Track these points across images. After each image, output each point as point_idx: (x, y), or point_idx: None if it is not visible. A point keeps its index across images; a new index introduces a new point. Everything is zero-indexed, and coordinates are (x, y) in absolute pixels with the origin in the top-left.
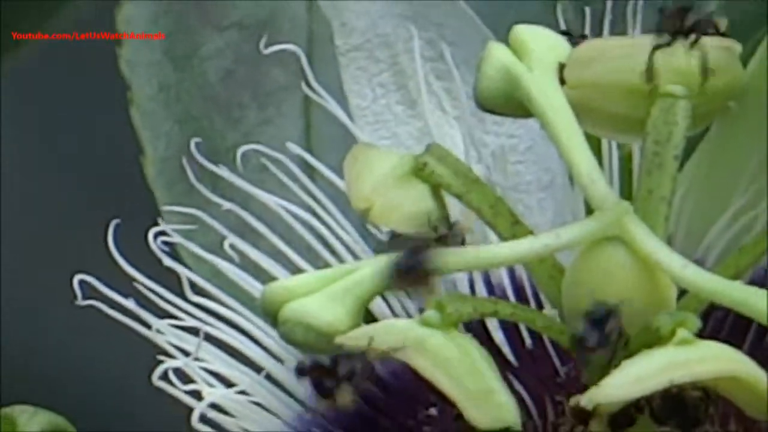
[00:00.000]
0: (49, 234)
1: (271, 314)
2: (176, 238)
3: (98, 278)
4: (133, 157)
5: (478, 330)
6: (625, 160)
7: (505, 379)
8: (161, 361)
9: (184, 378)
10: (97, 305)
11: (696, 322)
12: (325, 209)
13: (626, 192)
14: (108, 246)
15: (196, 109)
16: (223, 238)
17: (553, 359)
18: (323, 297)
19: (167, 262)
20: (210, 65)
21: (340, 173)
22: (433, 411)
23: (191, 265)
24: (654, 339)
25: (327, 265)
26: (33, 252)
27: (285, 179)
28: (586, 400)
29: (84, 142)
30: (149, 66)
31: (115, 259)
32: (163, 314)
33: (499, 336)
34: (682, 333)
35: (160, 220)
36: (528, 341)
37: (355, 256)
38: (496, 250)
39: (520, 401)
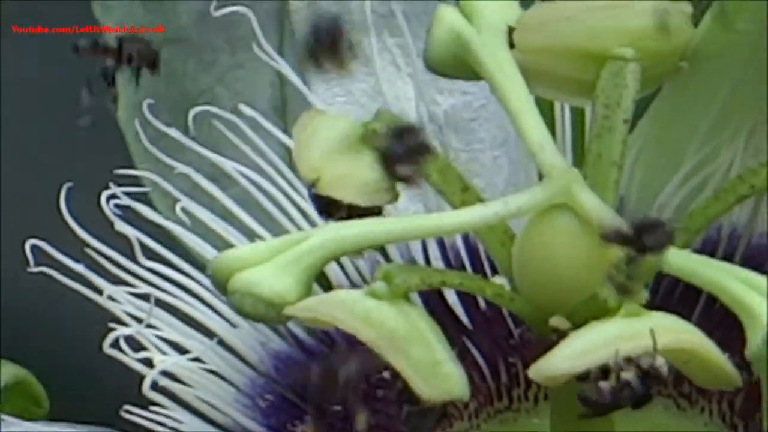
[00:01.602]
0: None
1: (220, 285)
2: (127, 202)
3: (51, 244)
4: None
5: (432, 293)
6: (578, 116)
7: (460, 341)
8: (112, 330)
9: (138, 345)
10: (49, 272)
11: (643, 294)
12: (277, 170)
13: (580, 154)
14: (60, 210)
15: (169, 52)
16: (176, 202)
17: (507, 321)
18: (272, 267)
19: (118, 225)
20: (182, 7)
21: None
22: (386, 374)
23: (145, 228)
24: (602, 310)
25: (282, 230)
26: None
27: (239, 144)
28: (534, 372)
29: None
30: (122, 9)
31: (68, 224)
32: (117, 280)
33: (453, 298)
34: (629, 305)
35: (111, 184)
36: (482, 304)
37: (308, 219)
38: (445, 218)
39: (474, 363)
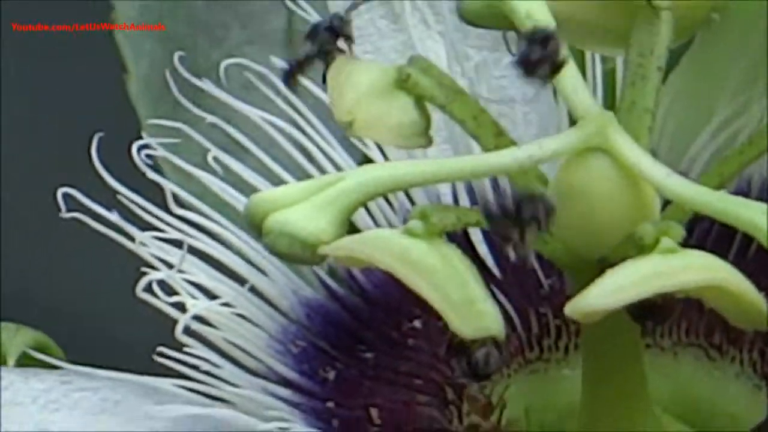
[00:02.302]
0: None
1: (255, 225)
2: (160, 152)
3: (82, 192)
4: (117, 73)
5: (462, 243)
6: (609, 76)
7: (490, 291)
8: (144, 274)
9: (168, 291)
10: (81, 218)
11: (680, 231)
12: (309, 122)
13: (610, 107)
14: (92, 160)
15: (179, 29)
16: (207, 152)
17: (537, 272)
18: (307, 208)
19: (151, 175)
20: None
21: (325, 89)
22: (417, 323)
23: (175, 180)
24: (638, 249)
25: (311, 178)
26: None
27: (269, 93)
28: (569, 309)
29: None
30: None
31: (99, 173)
32: (147, 228)
33: (483, 249)
34: (666, 242)
35: (143, 134)
36: (512, 254)
37: (339, 169)
38: (479, 160)
39: (505, 314)
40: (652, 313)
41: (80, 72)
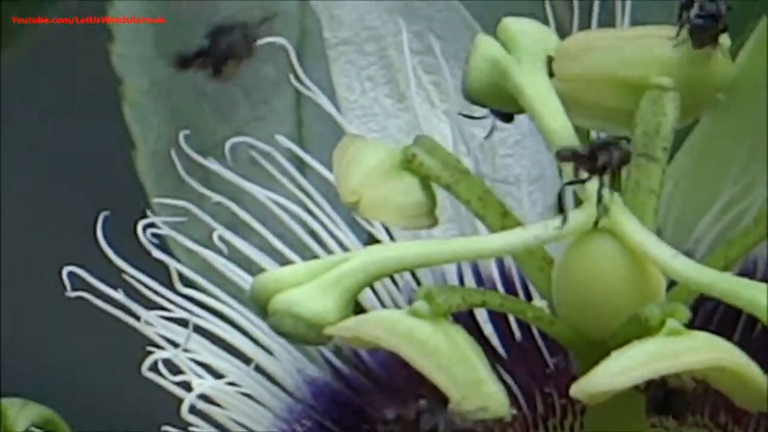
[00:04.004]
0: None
1: (260, 305)
2: (165, 230)
3: (87, 270)
4: (122, 150)
5: (467, 323)
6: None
7: (495, 371)
8: (150, 353)
9: (174, 370)
10: (87, 297)
11: (686, 313)
12: (314, 202)
13: (614, 186)
14: (97, 238)
15: (187, 105)
16: (212, 231)
17: (542, 351)
18: (312, 288)
19: (156, 254)
20: None
21: (330, 168)
22: (423, 403)
23: (180, 258)
24: (643, 330)
25: (317, 258)
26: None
27: (275, 172)
28: (575, 390)
29: (73, 135)
30: (141, 61)
31: (104, 252)
32: (152, 307)
33: (488, 328)
34: (671, 323)
35: (149, 213)
36: (517, 334)
37: (344, 248)
38: (485, 241)
39: (510, 394)
40: (673, 400)
41: (86, 150)
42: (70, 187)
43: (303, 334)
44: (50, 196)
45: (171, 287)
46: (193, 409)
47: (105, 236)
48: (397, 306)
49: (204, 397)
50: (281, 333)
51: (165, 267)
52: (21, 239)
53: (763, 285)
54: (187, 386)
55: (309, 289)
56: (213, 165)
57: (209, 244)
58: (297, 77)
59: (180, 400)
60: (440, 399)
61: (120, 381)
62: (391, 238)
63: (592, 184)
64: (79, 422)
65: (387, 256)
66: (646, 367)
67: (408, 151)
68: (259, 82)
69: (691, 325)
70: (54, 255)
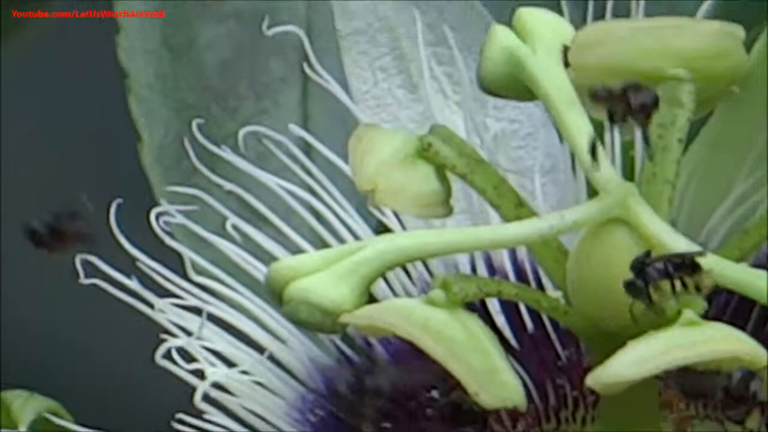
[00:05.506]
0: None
1: (275, 293)
2: (179, 218)
3: (101, 258)
4: (134, 140)
5: (479, 314)
6: (627, 147)
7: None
8: (162, 341)
9: (187, 358)
10: (100, 284)
11: (702, 303)
12: (325, 189)
13: (628, 179)
14: (110, 227)
15: (193, 98)
16: (224, 220)
17: (554, 343)
18: (328, 276)
19: (169, 242)
20: (207, 55)
21: (340, 159)
22: (434, 393)
23: (191, 247)
24: (660, 320)
25: (328, 246)
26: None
27: (286, 160)
28: (591, 380)
29: (84, 125)
30: (147, 54)
31: (117, 240)
32: (165, 295)
33: (500, 320)
34: (687, 314)
35: (162, 201)
36: (529, 325)
37: (355, 236)
38: (500, 231)
39: (522, 385)
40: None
41: (98, 138)
42: (80, 176)
43: (318, 322)
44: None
45: (183, 276)
46: (206, 397)
47: (118, 225)
48: (410, 296)
49: (217, 386)
50: (296, 321)
51: (174, 257)
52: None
53: None
54: (200, 374)
55: (324, 277)
56: (225, 153)
57: (220, 235)
58: (310, 65)
59: (193, 388)
60: (453, 388)
61: (133, 369)
62: (403, 227)
63: (607, 171)
64: (92, 411)
65: (403, 245)
66: (663, 357)
67: (424, 140)
68: (265, 76)
69: (705, 316)
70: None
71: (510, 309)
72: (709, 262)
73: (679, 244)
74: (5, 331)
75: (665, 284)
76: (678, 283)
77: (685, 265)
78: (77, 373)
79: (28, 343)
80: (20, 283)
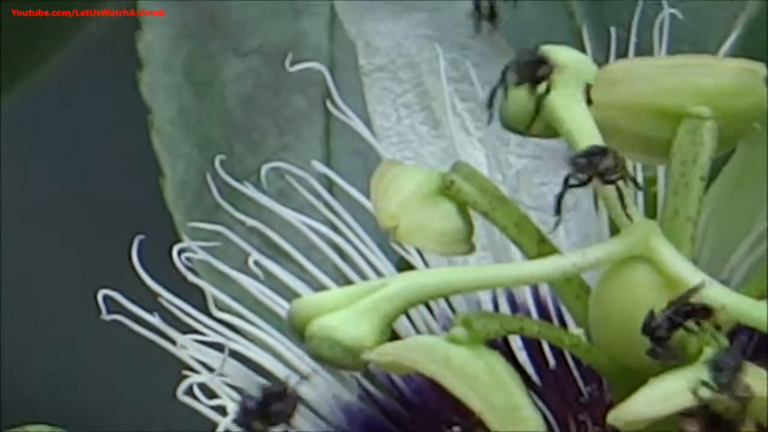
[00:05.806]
0: (73, 251)
1: (298, 329)
2: (201, 254)
3: (123, 294)
4: (156, 175)
5: (501, 350)
6: (649, 184)
7: (529, 398)
8: (184, 378)
9: (209, 394)
10: (122, 320)
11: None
12: (347, 226)
13: (649, 216)
14: (132, 262)
15: (216, 134)
16: (246, 257)
17: (576, 379)
18: (350, 313)
19: (191, 278)
20: (230, 90)
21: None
22: (456, 429)
23: (213, 284)
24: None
25: (350, 283)
26: (56, 268)
27: (308, 196)
28: (613, 416)
29: (106, 161)
30: (169, 89)
31: (139, 275)
32: (187, 331)
33: (522, 356)
34: (708, 352)
35: (184, 237)
36: (551, 361)
37: (378, 273)
38: (523, 268)
39: (544, 421)
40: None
41: (121, 175)
42: (104, 210)
43: (340, 359)
44: (81, 222)
45: (206, 312)
46: None
47: (140, 261)
48: (431, 334)
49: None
50: (318, 357)
51: (196, 293)
52: (54, 263)
53: None
54: (222, 410)
55: (347, 314)
56: (248, 189)
57: (242, 270)
58: (333, 102)
59: (215, 425)
60: (475, 425)
61: (155, 405)
62: (426, 263)
63: (629, 209)
64: None
65: (425, 282)
66: (684, 395)
67: (446, 178)
68: (288, 112)
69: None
70: (88, 279)
71: (532, 344)
72: (718, 298)
73: (698, 281)
74: (23, 365)
75: (680, 334)
76: (693, 326)
77: (696, 310)
78: (98, 408)
79: (52, 378)
80: (42, 319)
